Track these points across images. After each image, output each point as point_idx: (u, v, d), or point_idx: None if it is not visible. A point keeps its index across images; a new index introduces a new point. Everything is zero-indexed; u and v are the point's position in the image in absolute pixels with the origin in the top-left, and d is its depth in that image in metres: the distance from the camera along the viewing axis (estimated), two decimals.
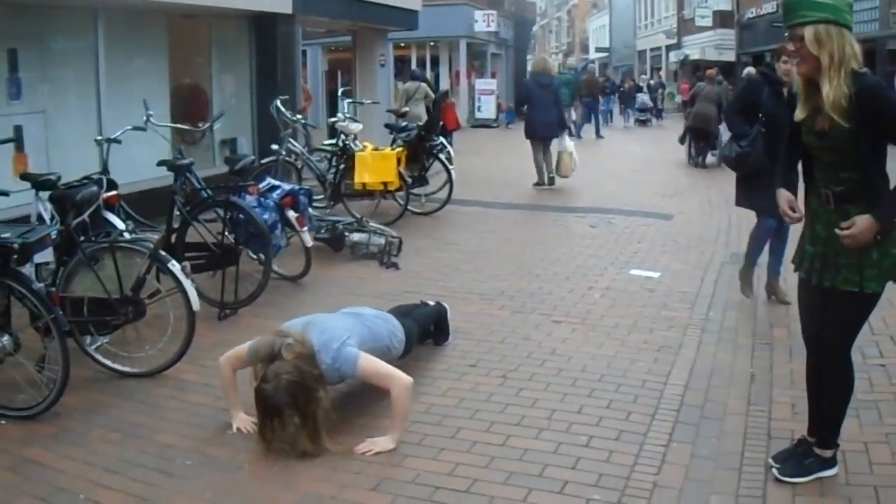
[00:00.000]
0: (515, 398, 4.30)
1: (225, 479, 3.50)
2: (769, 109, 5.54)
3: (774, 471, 3.42)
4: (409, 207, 9.34)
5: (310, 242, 6.58)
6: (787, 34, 3.17)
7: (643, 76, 35.64)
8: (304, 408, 3.63)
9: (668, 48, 41.33)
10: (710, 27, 34.04)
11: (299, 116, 10.35)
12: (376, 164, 8.88)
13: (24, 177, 5.40)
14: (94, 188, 5.07)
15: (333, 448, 3.69)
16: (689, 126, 15.31)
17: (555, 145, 12.13)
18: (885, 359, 4.79)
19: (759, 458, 3.60)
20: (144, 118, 7.13)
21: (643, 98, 27.12)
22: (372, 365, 3.87)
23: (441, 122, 11.24)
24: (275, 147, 9.38)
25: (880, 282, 3.17)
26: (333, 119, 10.22)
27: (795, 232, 3.82)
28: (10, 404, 4.15)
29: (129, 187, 6.74)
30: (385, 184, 8.94)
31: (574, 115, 22.23)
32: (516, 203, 10.84)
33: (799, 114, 3.24)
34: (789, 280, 5.44)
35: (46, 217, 5.36)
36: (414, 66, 25.08)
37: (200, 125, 9.11)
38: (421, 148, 9.64)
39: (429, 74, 26.24)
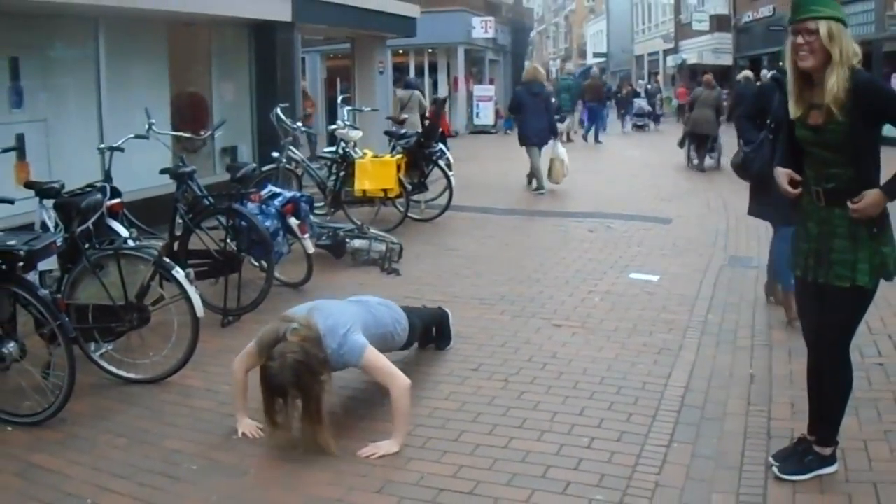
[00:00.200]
0: (517, 401, 4.34)
1: (231, 484, 3.53)
2: (778, 116, 5.54)
3: (775, 469, 3.46)
4: (409, 214, 9.38)
5: (311, 249, 6.62)
6: (791, 28, 3.22)
7: (640, 81, 35.73)
8: (308, 389, 3.63)
9: (666, 53, 41.43)
10: (707, 31, 34.11)
11: (300, 124, 10.39)
12: (376, 171, 8.93)
13: (28, 185, 5.45)
14: (98, 196, 5.12)
15: (332, 442, 3.71)
16: (689, 131, 15.51)
17: (546, 153, 12.28)
18: (883, 357, 4.84)
19: (759, 457, 3.64)
20: (146, 126, 7.18)
21: (641, 103, 27.10)
22: (376, 359, 3.90)
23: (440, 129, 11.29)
24: (275, 154, 9.43)
25: (872, 278, 3.21)
26: (333, 126, 10.28)
27: None
28: (16, 411, 4.19)
29: (130, 195, 6.78)
30: (385, 190, 8.99)
31: (572, 121, 22.36)
32: (515, 208, 10.89)
33: (793, 110, 3.30)
34: None
35: (50, 224, 5.41)
36: (412, 72, 25.20)
37: (202, 133, 9.16)
38: (420, 155, 9.69)
39: (427, 81, 26.37)
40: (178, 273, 4.62)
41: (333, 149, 9.79)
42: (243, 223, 6.03)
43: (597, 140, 21.86)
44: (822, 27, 3.10)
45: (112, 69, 9.20)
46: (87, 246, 4.73)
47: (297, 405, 3.69)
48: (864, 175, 3.17)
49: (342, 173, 9.28)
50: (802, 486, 3.36)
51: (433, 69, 26.95)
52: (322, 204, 9.22)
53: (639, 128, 26.35)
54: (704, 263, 7.41)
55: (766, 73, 17.10)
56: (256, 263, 6.38)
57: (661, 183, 13.33)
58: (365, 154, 9.25)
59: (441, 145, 10.31)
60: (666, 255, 7.80)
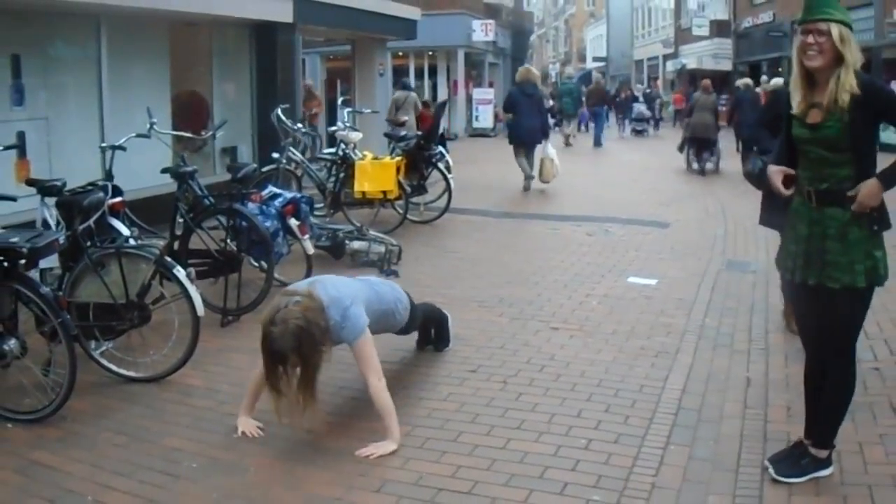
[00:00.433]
0: (515, 403, 4.36)
1: (231, 482, 3.55)
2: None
3: (771, 471, 3.49)
4: (408, 216, 9.40)
5: (311, 250, 6.64)
6: (802, 28, 3.28)
7: (639, 85, 35.74)
8: (307, 356, 3.63)
9: (665, 57, 41.48)
10: (707, 36, 34.16)
11: (300, 125, 10.42)
12: (376, 172, 8.96)
13: (30, 182, 5.46)
14: (100, 194, 5.14)
15: (319, 417, 3.76)
16: (689, 136, 15.69)
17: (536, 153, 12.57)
18: (878, 362, 4.88)
19: (755, 460, 3.66)
20: (148, 125, 7.20)
21: (640, 108, 27.04)
22: (368, 345, 3.90)
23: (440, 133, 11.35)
24: (275, 155, 9.46)
25: (866, 278, 3.24)
26: (333, 128, 10.31)
27: None
28: (17, 408, 4.21)
29: (131, 194, 6.80)
30: (384, 192, 9.02)
31: (575, 125, 22.43)
32: (514, 212, 10.91)
33: (795, 108, 3.34)
34: None
35: (52, 222, 5.43)
36: (412, 75, 25.25)
37: (203, 133, 9.18)
38: (420, 157, 9.71)
39: (426, 84, 26.40)
40: (179, 272, 4.64)
41: (333, 150, 9.83)
42: (243, 223, 6.05)
43: (598, 144, 21.96)
44: (835, 29, 3.17)
45: (113, 68, 9.22)
46: (88, 244, 4.76)
47: (297, 373, 3.68)
48: (863, 175, 3.21)
49: (342, 175, 9.31)
50: (798, 489, 3.39)
51: (433, 72, 26.98)
52: (321, 205, 9.24)
53: (637, 133, 26.29)
54: (702, 267, 7.44)
55: (748, 80, 17.28)
56: (256, 264, 6.40)
57: (659, 187, 13.37)
58: (365, 156, 9.27)
59: (440, 148, 10.34)
60: (664, 259, 7.83)
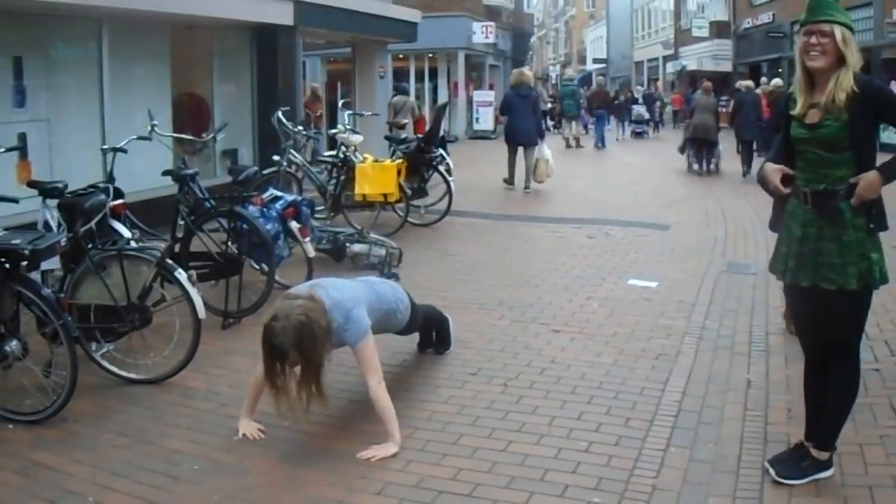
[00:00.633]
0: (516, 405, 4.37)
1: (232, 484, 3.56)
2: None
3: (771, 472, 3.49)
4: (408, 219, 9.41)
5: (312, 253, 6.64)
6: (805, 29, 3.30)
7: (639, 87, 35.75)
8: (308, 354, 3.63)
9: (666, 59, 41.53)
10: (707, 38, 34.21)
11: (300, 128, 10.43)
12: (376, 175, 8.96)
13: (32, 184, 5.47)
14: (102, 196, 5.15)
15: (327, 407, 3.78)
16: (690, 136, 15.78)
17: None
18: (879, 363, 4.88)
19: (756, 462, 3.67)
20: (149, 128, 7.21)
21: (639, 110, 26.91)
22: (369, 349, 3.91)
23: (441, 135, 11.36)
24: (276, 158, 9.47)
25: (860, 281, 3.24)
26: (334, 130, 10.32)
27: None
28: (18, 409, 4.21)
29: (132, 196, 6.80)
30: (385, 195, 9.02)
31: (577, 126, 22.44)
32: (515, 214, 10.92)
33: (798, 109, 3.35)
34: None
35: (53, 224, 5.44)
36: (412, 77, 25.27)
37: (203, 135, 9.19)
38: (420, 160, 9.72)
39: (427, 86, 26.41)
40: (181, 274, 4.65)
41: (334, 153, 9.83)
42: (244, 226, 6.06)
43: (599, 145, 22.00)
44: (837, 31, 3.21)
45: (114, 70, 9.24)
46: (90, 246, 4.77)
47: (296, 372, 3.68)
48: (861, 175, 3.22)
49: (342, 177, 9.32)
50: (799, 490, 3.40)
51: (433, 74, 26.99)
52: (322, 208, 9.25)
53: (637, 135, 26.19)
54: (702, 270, 7.45)
55: (750, 82, 17.32)
56: (257, 266, 6.41)
57: (659, 189, 13.37)
58: (365, 158, 9.28)
59: (441, 150, 10.36)
60: (664, 262, 7.84)
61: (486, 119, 26.32)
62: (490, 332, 5.60)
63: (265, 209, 6.33)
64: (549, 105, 29.10)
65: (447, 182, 10.01)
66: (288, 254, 6.58)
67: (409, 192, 9.33)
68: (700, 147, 15.60)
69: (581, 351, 5.24)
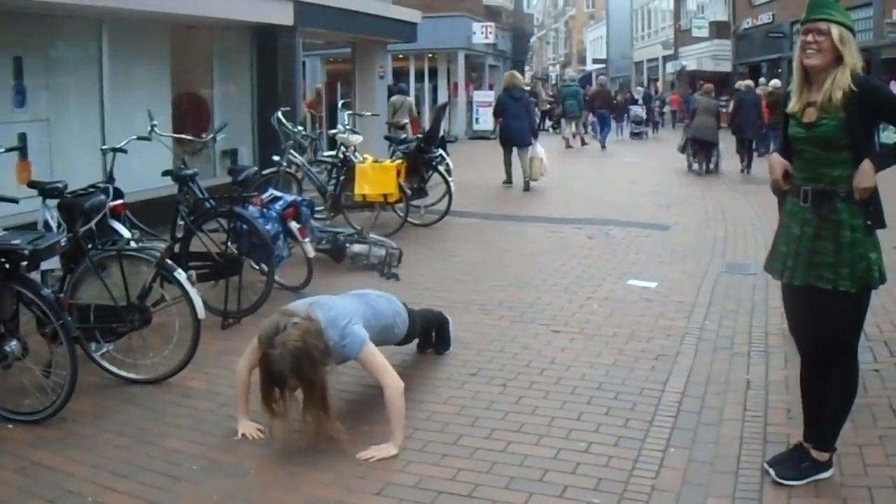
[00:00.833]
0: (515, 406, 4.37)
1: (231, 484, 3.56)
2: None
3: (771, 472, 3.49)
4: (408, 219, 9.41)
5: (312, 253, 6.65)
6: (803, 27, 3.31)
7: (639, 87, 35.74)
8: (309, 377, 3.66)
9: (665, 59, 41.52)
10: (707, 38, 34.21)
11: (301, 128, 10.43)
12: (376, 175, 8.96)
13: (32, 184, 5.47)
14: (102, 197, 5.15)
15: (341, 428, 3.76)
16: (691, 137, 15.87)
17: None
18: (878, 364, 4.88)
19: (755, 462, 3.67)
20: (149, 128, 7.21)
21: (637, 110, 26.79)
22: (374, 356, 3.94)
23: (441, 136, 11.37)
24: (276, 158, 9.47)
25: (854, 282, 3.23)
26: (334, 131, 10.32)
27: None
28: (17, 409, 4.22)
29: (132, 196, 6.81)
30: (385, 195, 9.02)
31: (579, 126, 22.43)
32: (514, 214, 10.92)
33: (792, 106, 3.36)
34: None
35: (53, 224, 5.44)
36: (412, 77, 25.27)
37: (203, 135, 9.20)
38: (420, 160, 9.73)
39: (427, 86, 26.41)
40: (180, 275, 4.65)
41: (333, 153, 9.83)
42: (244, 226, 6.06)
43: (602, 146, 22.02)
44: (835, 30, 3.22)
45: (114, 70, 9.24)
46: (89, 246, 4.77)
47: (296, 396, 3.70)
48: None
49: (342, 177, 9.32)
50: (798, 491, 3.40)
51: (433, 74, 26.99)
52: (322, 208, 9.25)
53: (635, 135, 26.08)
54: (702, 270, 7.45)
55: (749, 82, 17.33)
56: (257, 266, 6.41)
57: (659, 190, 13.38)
58: (365, 159, 9.28)
59: (441, 151, 10.36)
60: (664, 262, 7.84)
61: (485, 119, 26.25)
62: (490, 333, 5.60)
63: (265, 209, 6.34)
64: (549, 105, 29.10)
65: (447, 182, 10.01)
66: (288, 254, 6.58)
67: (408, 192, 9.33)
68: (701, 147, 15.72)
69: (581, 351, 5.24)
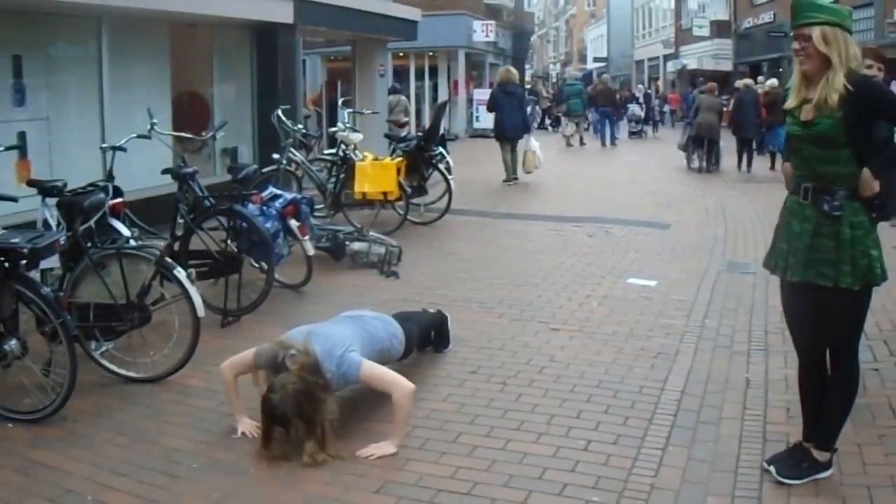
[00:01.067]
0: (515, 404, 4.37)
1: (231, 482, 3.56)
2: None
3: (771, 470, 3.49)
4: (408, 217, 9.40)
5: (311, 251, 6.65)
6: (792, 34, 3.31)
7: (640, 86, 35.70)
8: (311, 416, 3.70)
9: (666, 58, 41.51)
10: (708, 37, 34.20)
11: (300, 126, 10.43)
12: (376, 173, 8.96)
13: (31, 183, 5.47)
14: (101, 195, 5.15)
15: (337, 454, 3.75)
16: (694, 135, 15.98)
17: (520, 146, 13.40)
18: (878, 363, 4.88)
19: (754, 461, 3.67)
20: (149, 126, 7.21)
21: (634, 109, 26.60)
22: (374, 371, 3.95)
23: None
24: (276, 156, 9.46)
25: (856, 280, 3.23)
26: (334, 129, 10.31)
27: None
28: (17, 407, 4.21)
29: (132, 195, 6.81)
30: (385, 193, 9.02)
31: (582, 125, 22.41)
32: (514, 213, 10.91)
33: (789, 102, 3.36)
34: None
35: (52, 223, 5.44)
36: (412, 75, 25.26)
37: (203, 134, 9.19)
38: (420, 158, 9.72)
39: (427, 84, 26.41)
40: (180, 273, 4.65)
41: (333, 151, 9.83)
42: (244, 224, 6.06)
43: (612, 143, 22.05)
44: (815, 32, 3.19)
45: (114, 69, 9.24)
46: (89, 245, 4.77)
47: (300, 430, 3.73)
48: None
49: (342, 176, 9.32)
50: (797, 490, 3.40)
51: (434, 72, 26.98)
52: (322, 206, 9.25)
53: (634, 134, 25.90)
54: (702, 269, 7.45)
55: (749, 81, 17.35)
56: (257, 264, 6.41)
57: (659, 188, 13.38)
58: (365, 157, 9.28)
59: (441, 149, 10.36)
60: (664, 260, 7.84)
61: (485, 117, 26.11)
62: (489, 331, 5.60)
63: (265, 207, 6.33)
64: (548, 104, 29.07)
65: (447, 180, 10.01)
66: (287, 252, 6.58)
67: (408, 190, 9.33)
68: (703, 144, 15.84)
69: (580, 349, 5.24)
